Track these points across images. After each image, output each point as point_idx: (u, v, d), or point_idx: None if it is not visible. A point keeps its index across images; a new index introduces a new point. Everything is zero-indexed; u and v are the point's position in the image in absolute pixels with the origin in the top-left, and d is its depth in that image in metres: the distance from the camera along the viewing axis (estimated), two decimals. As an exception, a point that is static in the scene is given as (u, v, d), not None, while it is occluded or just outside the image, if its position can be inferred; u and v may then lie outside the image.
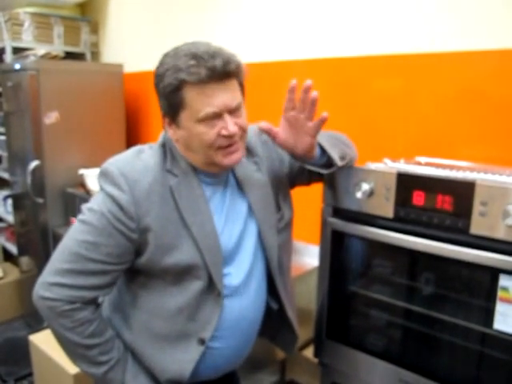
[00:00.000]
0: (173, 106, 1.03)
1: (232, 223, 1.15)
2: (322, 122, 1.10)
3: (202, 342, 1.11)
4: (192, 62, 0.97)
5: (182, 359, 1.12)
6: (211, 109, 1.00)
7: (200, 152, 1.06)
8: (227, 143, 1.04)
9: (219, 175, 1.15)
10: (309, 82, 1.08)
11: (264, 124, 1.11)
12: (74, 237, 1.05)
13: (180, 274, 1.08)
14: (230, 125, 1.02)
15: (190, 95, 1.00)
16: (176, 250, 1.06)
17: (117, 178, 1.03)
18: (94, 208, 1.05)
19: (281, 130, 1.12)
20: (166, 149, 1.11)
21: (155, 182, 1.05)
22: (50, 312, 1.04)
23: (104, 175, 1.06)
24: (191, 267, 1.08)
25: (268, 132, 1.12)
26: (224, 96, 1.01)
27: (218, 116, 1.02)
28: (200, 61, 0.97)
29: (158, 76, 1.03)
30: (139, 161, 1.07)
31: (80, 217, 1.06)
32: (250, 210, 1.18)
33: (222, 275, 1.11)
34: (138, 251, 1.08)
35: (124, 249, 1.05)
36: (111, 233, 1.03)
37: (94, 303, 1.10)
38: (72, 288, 1.03)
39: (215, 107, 1.00)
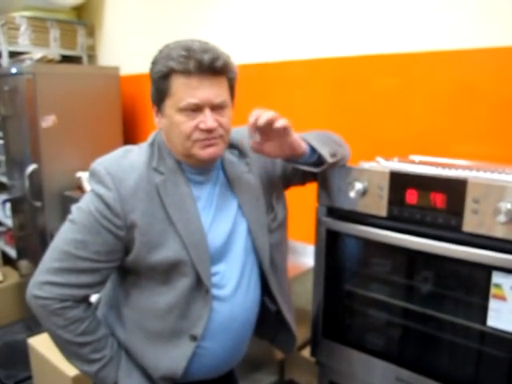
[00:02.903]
0: (160, 93, 1.06)
1: (219, 222, 1.16)
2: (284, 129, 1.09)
3: (193, 338, 1.13)
4: (183, 53, 1.01)
5: (175, 356, 1.13)
6: (193, 100, 1.02)
7: (178, 143, 1.08)
8: (204, 137, 1.05)
9: (207, 174, 1.16)
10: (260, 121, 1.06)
11: (253, 146, 1.14)
12: (64, 236, 1.07)
13: (167, 272, 1.10)
14: (208, 119, 1.04)
15: (176, 84, 1.03)
16: (162, 247, 1.07)
17: (103, 177, 1.05)
18: (82, 207, 1.08)
19: (264, 146, 1.14)
20: (154, 147, 1.13)
21: (141, 180, 1.07)
22: (42, 310, 1.06)
23: (91, 174, 1.09)
24: (178, 264, 1.09)
25: (259, 152, 1.15)
26: (208, 90, 1.03)
27: (199, 109, 1.04)
28: (191, 53, 1.01)
29: (153, 62, 1.08)
30: (126, 160, 1.09)
31: (69, 216, 1.09)
32: (240, 210, 1.19)
33: (210, 273, 1.12)
34: (127, 249, 1.09)
35: (112, 246, 1.07)
36: (99, 231, 1.05)
37: (86, 301, 1.12)
38: (63, 286, 1.05)
39: (197, 99, 1.03)
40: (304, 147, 1.16)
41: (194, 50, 1.02)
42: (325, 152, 1.18)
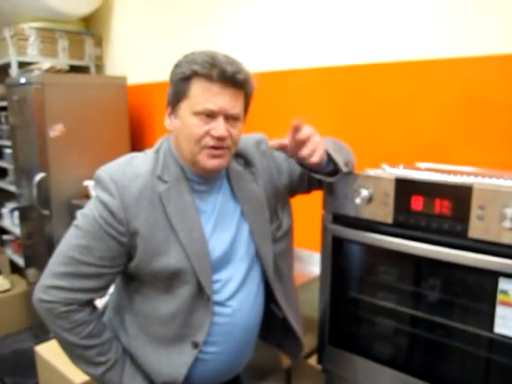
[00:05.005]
0: (177, 94, 1.08)
1: (221, 231, 1.17)
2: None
3: (195, 345, 1.13)
4: (208, 60, 1.04)
5: (176, 362, 1.14)
6: (210, 106, 1.04)
7: (186, 146, 1.09)
8: (213, 144, 1.07)
9: (211, 183, 1.17)
10: (295, 122, 1.06)
11: (275, 143, 1.11)
12: (69, 241, 1.09)
13: (169, 280, 1.11)
14: (220, 127, 1.05)
15: (196, 87, 1.05)
16: (164, 255, 1.09)
17: (108, 184, 1.07)
18: (86, 213, 1.09)
19: (289, 146, 1.12)
20: (159, 154, 1.14)
21: (145, 188, 1.08)
22: (48, 314, 1.08)
23: (96, 181, 1.10)
24: (179, 272, 1.10)
25: (280, 148, 1.12)
26: (226, 100, 1.05)
27: (213, 115, 1.06)
28: (216, 61, 1.04)
29: (176, 65, 1.10)
30: (130, 167, 1.10)
31: (75, 222, 1.11)
32: (243, 219, 1.20)
33: (212, 281, 1.13)
34: (130, 255, 1.11)
35: (116, 252, 1.08)
36: (103, 237, 1.06)
37: (90, 305, 1.14)
38: (68, 290, 1.07)
39: (214, 105, 1.05)
40: (324, 157, 1.16)
41: (219, 59, 1.05)
42: (340, 161, 1.19)
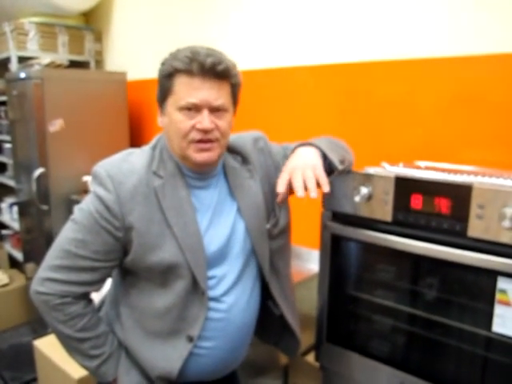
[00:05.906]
0: (163, 91, 1.10)
1: (217, 227, 1.17)
2: None
3: (190, 339, 1.14)
4: (188, 55, 1.05)
5: (171, 356, 1.15)
6: (192, 99, 1.05)
7: (175, 142, 1.10)
8: (200, 137, 1.07)
9: (207, 179, 1.17)
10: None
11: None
12: (65, 235, 1.11)
13: (164, 274, 1.12)
14: (205, 120, 1.06)
15: (178, 83, 1.07)
16: (159, 249, 1.10)
17: (104, 179, 1.08)
18: (83, 208, 1.11)
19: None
20: (155, 151, 1.15)
21: (140, 183, 1.09)
22: (44, 306, 1.10)
23: (93, 176, 1.12)
24: (174, 266, 1.11)
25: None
26: (208, 92, 1.06)
27: (197, 109, 1.06)
28: (195, 55, 1.05)
29: (161, 63, 1.11)
30: (126, 163, 1.12)
31: (72, 216, 1.13)
32: (240, 216, 1.20)
33: (207, 276, 1.14)
34: (125, 250, 1.12)
35: (111, 246, 1.10)
36: (98, 231, 1.08)
37: (85, 298, 1.15)
38: (63, 283, 1.09)
39: (196, 99, 1.05)
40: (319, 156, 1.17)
41: (199, 52, 1.05)
42: (335, 159, 1.19)
